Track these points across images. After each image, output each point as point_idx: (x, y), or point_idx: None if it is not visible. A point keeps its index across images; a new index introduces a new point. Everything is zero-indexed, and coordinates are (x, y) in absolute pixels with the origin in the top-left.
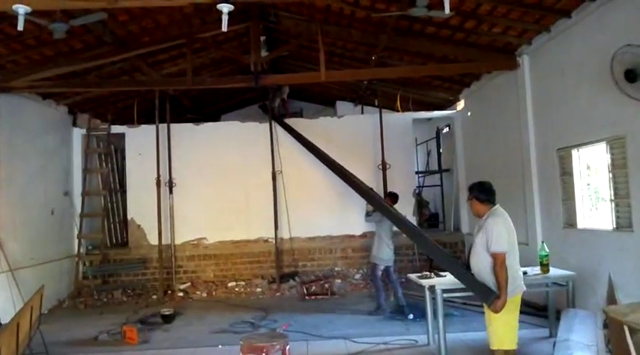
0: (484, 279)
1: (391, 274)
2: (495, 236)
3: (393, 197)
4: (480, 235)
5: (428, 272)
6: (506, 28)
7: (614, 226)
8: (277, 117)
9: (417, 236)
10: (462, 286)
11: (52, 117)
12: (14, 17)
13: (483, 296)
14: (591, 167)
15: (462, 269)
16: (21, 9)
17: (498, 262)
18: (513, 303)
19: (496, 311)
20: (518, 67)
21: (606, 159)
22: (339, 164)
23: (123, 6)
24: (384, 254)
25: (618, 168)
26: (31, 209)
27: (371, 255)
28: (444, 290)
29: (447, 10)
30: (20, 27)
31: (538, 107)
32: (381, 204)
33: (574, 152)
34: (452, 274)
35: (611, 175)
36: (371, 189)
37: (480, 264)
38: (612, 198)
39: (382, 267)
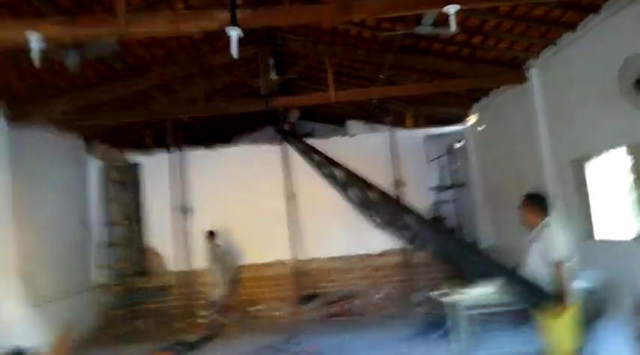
0: None
1: None
2: (557, 245)
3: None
4: (535, 245)
5: (448, 290)
6: (512, 42)
7: (636, 235)
8: (296, 136)
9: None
10: (484, 302)
11: (67, 147)
12: (29, 52)
13: (546, 300)
14: (607, 177)
15: (520, 275)
16: (36, 44)
17: (560, 269)
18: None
19: (558, 315)
20: (526, 81)
21: (622, 168)
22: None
23: (133, 34)
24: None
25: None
26: (51, 242)
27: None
28: (467, 307)
29: (453, 27)
30: (37, 64)
31: (550, 119)
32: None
33: (589, 163)
34: (509, 282)
35: (631, 184)
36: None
37: (537, 274)
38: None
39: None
